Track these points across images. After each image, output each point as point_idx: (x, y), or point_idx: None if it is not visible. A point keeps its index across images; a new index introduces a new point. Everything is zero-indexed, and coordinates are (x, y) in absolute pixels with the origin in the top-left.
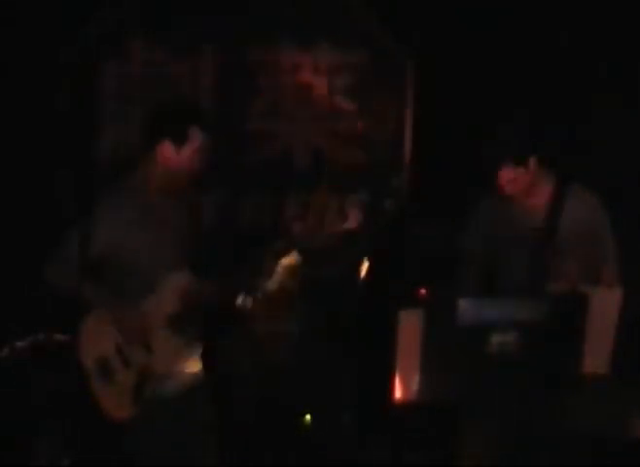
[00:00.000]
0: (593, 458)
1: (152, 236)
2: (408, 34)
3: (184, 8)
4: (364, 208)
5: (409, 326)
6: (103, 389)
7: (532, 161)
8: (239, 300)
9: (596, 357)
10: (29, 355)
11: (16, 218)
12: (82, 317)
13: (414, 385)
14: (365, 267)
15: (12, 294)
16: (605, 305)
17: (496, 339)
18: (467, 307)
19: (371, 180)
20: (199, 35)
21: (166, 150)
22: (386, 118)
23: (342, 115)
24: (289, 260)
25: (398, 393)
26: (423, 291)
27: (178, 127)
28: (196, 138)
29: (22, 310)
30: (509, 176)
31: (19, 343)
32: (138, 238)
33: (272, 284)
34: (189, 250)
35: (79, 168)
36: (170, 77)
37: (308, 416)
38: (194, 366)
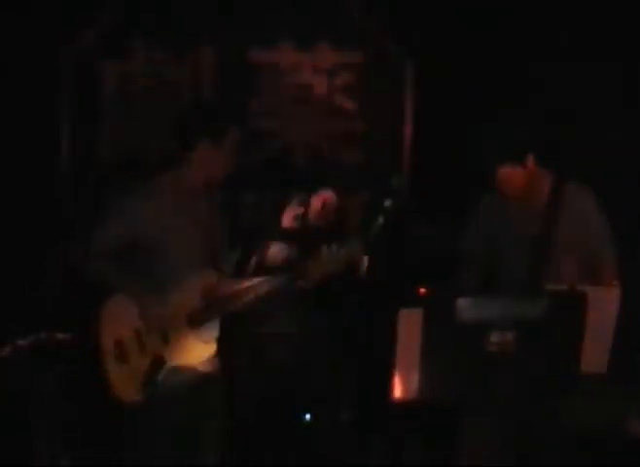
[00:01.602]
0: (593, 458)
1: (183, 235)
2: (409, 34)
3: (184, 8)
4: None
5: (409, 325)
6: (116, 371)
7: (530, 161)
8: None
9: (595, 356)
10: (30, 354)
11: (16, 218)
12: (88, 309)
13: (414, 384)
14: (365, 266)
15: (12, 294)
16: (604, 304)
17: (495, 337)
18: (466, 306)
19: (371, 180)
20: (199, 35)
21: (206, 149)
22: (386, 118)
23: (342, 115)
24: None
25: (397, 392)
26: (423, 290)
27: (217, 127)
28: (234, 136)
29: (23, 310)
30: (507, 175)
31: (21, 342)
32: (169, 235)
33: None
34: (217, 250)
35: (79, 168)
36: (170, 77)
37: (308, 416)
38: (206, 363)
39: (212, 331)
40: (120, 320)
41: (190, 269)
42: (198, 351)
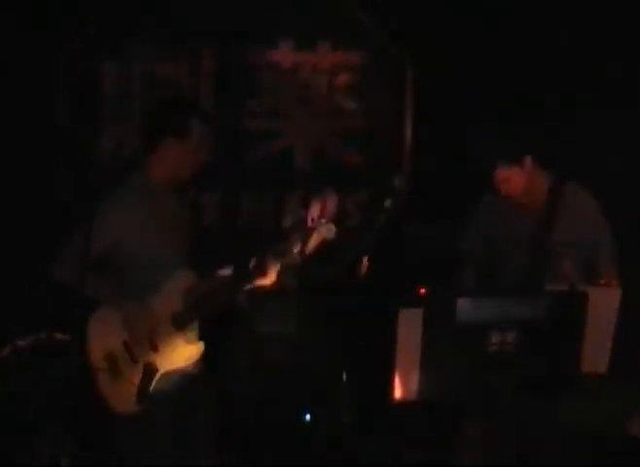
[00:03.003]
0: (593, 458)
1: (157, 235)
2: (409, 34)
3: (184, 8)
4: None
5: (409, 325)
6: (110, 384)
7: (527, 161)
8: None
9: (595, 357)
10: (30, 354)
11: (16, 218)
12: (84, 314)
13: (414, 385)
14: (365, 266)
15: (12, 293)
16: (604, 304)
17: (495, 338)
18: (466, 307)
19: (371, 180)
20: (199, 35)
21: (171, 146)
22: (386, 118)
23: (342, 114)
24: (290, 260)
25: (397, 392)
26: (423, 291)
27: (179, 122)
28: (198, 129)
29: (23, 310)
30: (504, 176)
31: (20, 343)
32: (144, 237)
33: (273, 284)
34: (191, 249)
35: (79, 168)
36: (170, 77)
37: (308, 416)
38: (196, 365)
39: (197, 331)
40: (107, 334)
41: (167, 270)
42: (187, 353)
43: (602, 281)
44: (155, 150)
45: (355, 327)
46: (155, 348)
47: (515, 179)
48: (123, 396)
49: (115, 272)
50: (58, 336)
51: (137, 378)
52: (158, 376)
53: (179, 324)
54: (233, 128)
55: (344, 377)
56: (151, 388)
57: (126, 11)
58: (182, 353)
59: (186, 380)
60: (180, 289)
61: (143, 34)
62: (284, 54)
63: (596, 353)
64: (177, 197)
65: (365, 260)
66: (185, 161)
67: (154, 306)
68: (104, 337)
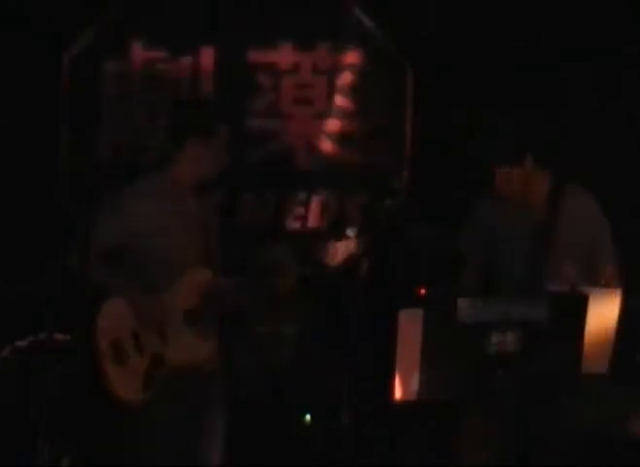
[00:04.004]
0: (593, 458)
1: (176, 233)
2: (408, 34)
3: (184, 8)
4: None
5: (409, 326)
6: (116, 372)
7: (528, 161)
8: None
9: (596, 357)
10: (30, 354)
11: (16, 218)
12: (89, 311)
13: (414, 385)
14: (364, 266)
15: (12, 294)
16: (605, 305)
17: (496, 338)
18: (466, 307)
19: (371, 180)
20: (199, 35)
21: (196, 146)
22: (386, 118)
23: (342, 115)
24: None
25: (398, 393)
26: (423, 291)
27: (205, 123)
28: (222, 131)
29: (23, 310)
30: (505, 176)
31: (20, 343)
32: (163, 233)
33: (285, 283)
34: (213, 248)
35: (79, 169)
36: (170, 77)
37: (308, 416)
38: (206, 361)
39: (211, 329)
40: (116, 323)
41: (183, 267)
42: (197, 349)
43: (603, 282)
44: (181, 149)
45: (355, 327)
46: (164, 340)
47: (516, 179)
48: (127, 384)
49: (129, 264)
50: (58, 336)
51: (143, 367)
52: (164, 367)
53: (190, 320)
54: (233, 128)
55: (344, 377)
56: (156, 379)
57: (127, 10)
58: (193, 349)
59: (195, 376)
60: (194, 286)
61: (143, 34)
62: (284, 55)
63: (597, 354)
64: (199, 197)
65: (364, 260)
66: (210, 160)
67: (166, 300)
68: (112, 324)
